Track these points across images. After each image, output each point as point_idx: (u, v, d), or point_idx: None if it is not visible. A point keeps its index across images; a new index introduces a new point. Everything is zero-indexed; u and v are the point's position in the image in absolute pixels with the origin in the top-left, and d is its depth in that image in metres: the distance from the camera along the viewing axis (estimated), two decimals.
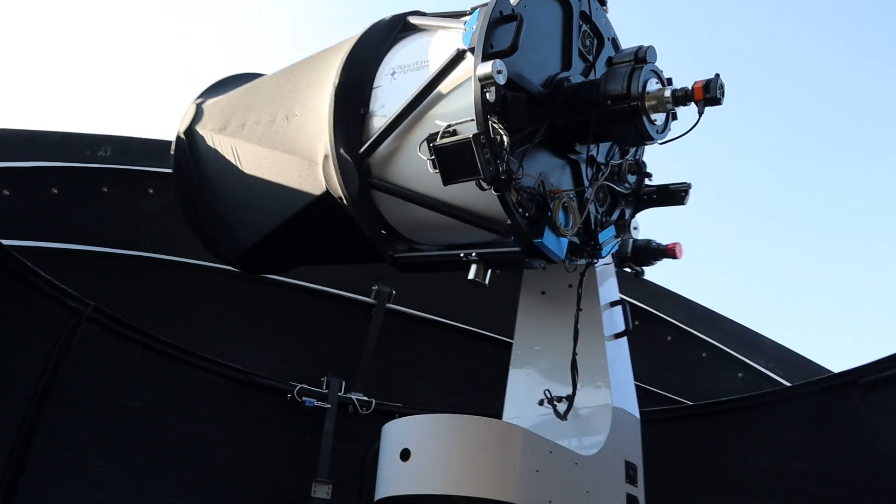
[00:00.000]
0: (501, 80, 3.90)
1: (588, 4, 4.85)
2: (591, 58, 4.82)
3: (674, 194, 5.08)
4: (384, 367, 8.32)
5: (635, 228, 5.06)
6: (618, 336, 5.27)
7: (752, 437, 6.94)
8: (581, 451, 4.51)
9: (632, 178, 5.02)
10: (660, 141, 4.45)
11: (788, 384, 9.28)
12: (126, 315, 6.63)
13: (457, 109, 4.23)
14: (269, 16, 23.62)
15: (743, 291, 24.45)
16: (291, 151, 5.06)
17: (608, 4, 5.14)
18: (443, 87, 4.40)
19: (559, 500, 4.13)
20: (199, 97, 6.31)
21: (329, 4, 25.15)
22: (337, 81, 4.71)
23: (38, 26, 20.80)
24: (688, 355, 9.47)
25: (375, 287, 8.30)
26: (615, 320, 5.30)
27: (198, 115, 6.14)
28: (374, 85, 4.79)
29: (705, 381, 9.00)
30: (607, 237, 4.83)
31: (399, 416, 7.59)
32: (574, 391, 4.68)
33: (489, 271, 4.50)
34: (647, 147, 5.15)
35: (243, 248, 5.73)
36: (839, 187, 24.51)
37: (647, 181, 5.13)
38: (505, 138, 3.87)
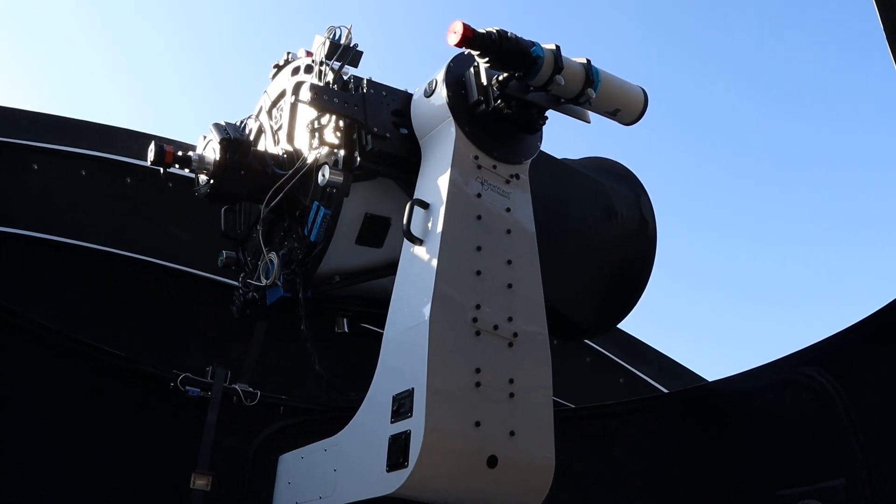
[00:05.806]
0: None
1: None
2: None
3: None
4: (272, 359, 8.20)
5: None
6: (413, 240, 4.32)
7: (631, 441, 7.19)
8: None
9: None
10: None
11: (666, 391, 9.66)
12: None
13: None
14: None
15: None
16: None
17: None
18: None
19: (308, 495, 4.62)
20: None
21: None
22: None
23: None
24: (572, 360, 9.71)
25: None
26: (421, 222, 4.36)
27: None
28: None
29: (588, 386, 9.24)
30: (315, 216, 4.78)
31: (283, 410, 7.57)
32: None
33: (344, 321, 5.69)
34: None
35: None
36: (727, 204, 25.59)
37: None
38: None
